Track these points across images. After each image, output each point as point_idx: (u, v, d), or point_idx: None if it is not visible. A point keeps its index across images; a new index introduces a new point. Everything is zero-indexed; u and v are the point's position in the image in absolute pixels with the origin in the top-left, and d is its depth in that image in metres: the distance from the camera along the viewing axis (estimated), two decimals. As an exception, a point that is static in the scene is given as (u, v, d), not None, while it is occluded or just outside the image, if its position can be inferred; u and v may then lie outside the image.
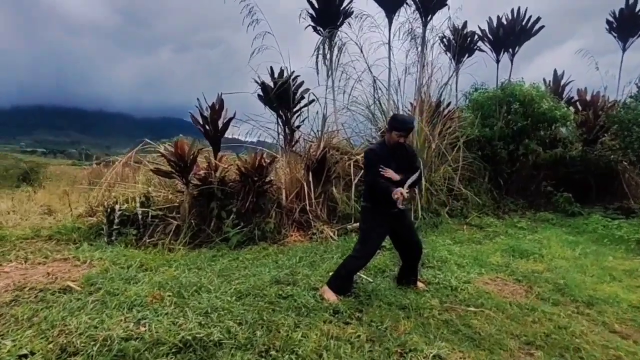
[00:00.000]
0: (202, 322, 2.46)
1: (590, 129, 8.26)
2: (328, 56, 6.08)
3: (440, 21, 6.76)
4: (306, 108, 5.66)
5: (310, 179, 5.51)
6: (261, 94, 5.31)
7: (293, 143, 5.59)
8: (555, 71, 8.16)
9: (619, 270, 4.05)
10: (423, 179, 5.71)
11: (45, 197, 6.50)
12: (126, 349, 2.09)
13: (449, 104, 7.09)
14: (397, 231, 3.23)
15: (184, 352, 2.13)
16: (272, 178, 5.25)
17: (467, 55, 7.51)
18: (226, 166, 5.11)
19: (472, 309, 2.95)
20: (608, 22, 8.57)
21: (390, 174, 2.99)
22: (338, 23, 6.10)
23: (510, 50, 7.27)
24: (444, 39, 7.35)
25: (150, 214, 4.61)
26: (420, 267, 3.72)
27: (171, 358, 2.07)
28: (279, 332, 2.42)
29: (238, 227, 4.83)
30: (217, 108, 4.69)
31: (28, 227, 4.77)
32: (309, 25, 6.13)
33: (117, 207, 4.46)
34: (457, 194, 6.68)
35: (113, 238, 4.37)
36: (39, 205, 6.05)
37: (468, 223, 6.15)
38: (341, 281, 3.14)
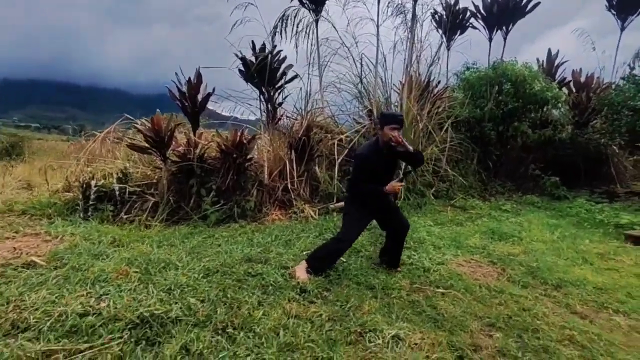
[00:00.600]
0: (164, 299, 2.43)
1: (582, 111, 8.16)
2: (314, 31, 5.87)
3: (432, -4, 6.49)
4: (290, 84, 5.53)
5: (293, 157, 5.44)
6: (242, 69, 5.15)
7: (276, 120, 5.46)
8: (549, 51, 7.96)
9: (592, 253, 4.06)
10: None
11: (25, 172, 6.40)
12: (80, 325, 2.06)
13: (438, 83, 6.94)
14: (382, 215, 3.24)
15: (140, 328, 2.11)
16: (253, 156, 5.16)
17: (459, 33, 7.29)
18: (206, 143, 5.01)
19: (440, 290, 2.95)
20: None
21: (391, 188, 2.95)
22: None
23: (504, 28, 7.04)
24: (436, 15, 7.12)
25: (127, 190, 4.54)
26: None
27: (126, 334, 2.04)
28: (240, 309, 2.41)
29: (218, 205, 4.79)
30: (195, 83, 4.54)
31: (1, 201, 4.69)
32: (295, -1, 5.90)
33: (93, 182, 4.38)
34: (443, 176, 6.63)
35: (89, 214, 4.32)
36: (17, 179, 5.97)
37: (452, 205, 6.13)
38: (319, 262, 3.12)
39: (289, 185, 5.24)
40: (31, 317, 2.13)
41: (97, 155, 5.50)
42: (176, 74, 4.68)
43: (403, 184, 2.95)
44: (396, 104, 6.57)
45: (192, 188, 4.79)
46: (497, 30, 7.11)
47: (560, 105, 7.22)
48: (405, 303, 2.70)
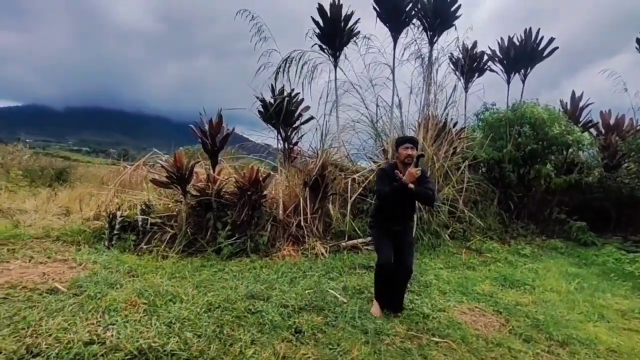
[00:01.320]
0: (164, 332, 2.60)
1: (613, 154, 7.88)
2: (333, 75, 6.21)
3: (449, 41, 6.69)
4: (307, 124, 5.83)
5: (307, 194, 5.63)
6: (262, 110, 5.51)
7: (292, 159, 5.72)
8: (573, 93, 7.86)
9: (613, 309, 3.85)
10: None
11: (66, 198, 6.97)
12: (83, 353, 2.25)
13: (455, 124, 7.00)
14: (395, 246, 3.31)
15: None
16: (266, 192, 5.39)
17: (476, 75, 7.41)
18: (225, 178, 5.31)
19: (435, 338, 2.92)
20: (638, 40, 8.18)
21: (409, 177, 3.06)
22: (343, 42, 6.23)
23: (522, 71, 7.09)
24: (453, 59, 7.30)
25: (149, 221, 4.86)
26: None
27: (122, 364, 2.21)
28: (233, 347, 2.52)
29: (232, 239, 5.01)
30: (216, 124, 4.91)
31: (41, 227, 5.15)
32: (315, 44, 6.30)
33: (118, 213, 4.75)
34: (461, 216, 6.56)
35: (113, 242, 4.65)
36: (59, 206, 6.51)
37: (468, 247, 6.02)
38: (375, 290, 3.42)
39: (302, 222, 5.40)
40: (43, 342, 2.35)
41: (128, 186, 5.94)
42: (200, 114, 5.10)
43: (419, 168, 3.06)
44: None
45: (209, 221, 5.05)
46: (515, 74, 7.17)
47: (585, 147, 7.04)
48: (397, 350, 2.70)
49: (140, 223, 4.83)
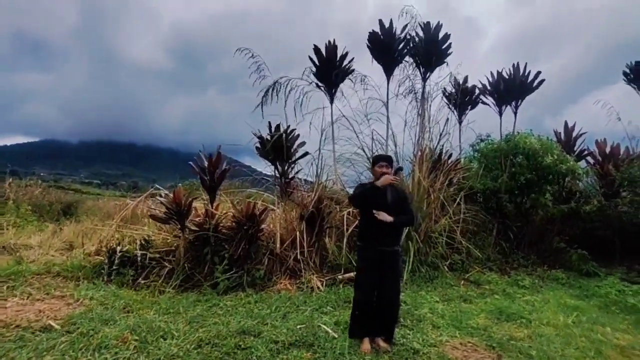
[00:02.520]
0: (151, 370, 2.64)
1: (610, 182, 7.88)
2: (328, 110, 6.46)
3: (442, 76, 6.96)
4: (303, 159, 6.01)
5: (304, 228, 5.71)
6: (259, 146, 5.72)
7: (288, 193, 5.86)
8: (565, 123, 8.02)
9: (611, 344, 3.77)
10: (416, 222, 5.74)
11: (71, 233, 7.13)
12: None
13: (450, 155, 7.14)
14: (381, 276, 3.33)
15: (122, 399, 2.31)
16: (264, 226, 5.49)
17: (469, 108, 7.63)
18: (223, 213, 5.44)
19: (424, 376, 2.91)
20: (625, 73, 8.41)
21: (383, 216, 3.21)
22: (339, 80, 6.53)
23: (514, 103, 7.29)
24: (446, 93, 7.55)
25: (148, 256, 4.96)
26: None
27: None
28: (217, 385, 2.55)
29: (229, 273, 5.06)
30: (214, 160, 5.11)
31: (43, 262, 5.27)
32: (312, 82, 6.61)
33: (118, 248, 4.87)
34: (459, 248, 6.55)
35: (112, 278, 4.74)
36: (63, 240, 6.66)
37: (466, 279, 5.97)
38: (351, 324, 3.46)
39: (299, 255, 5.45)
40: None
41: (130, 220, 6.08)
42: (199, 151, 5.30)
43: (396, 177, 3.24)
44: (408, 176, 6.80)
45: (207, 256, 5.13)
46: (506, 106, 7.37)
47: (581, 176, 7.09)
48: (383, 388, 2.70)
49: (139, 258, 4.93)
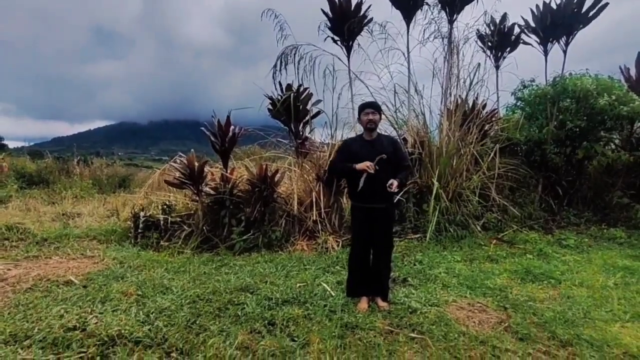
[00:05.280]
0: (140, 320, 2.78)
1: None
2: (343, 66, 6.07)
3: (476, 17, 6.12)
4: (321, 120, 5.80)
5: (320, 188, 5.59)
6: (270, 107, 5.59)
7: (304, 154, 5.72)
8: (638, 55, 6.69)
9: (657, 309, 3.24)
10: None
11: (114, 202, 7.77)
12: (60, 338, 2.50)
13: (484, 106, 6.41)
14: (373, 232, 3.20)
15: (104, 345, 2.45)
16: (281, 189, 5.46)
17: (508, 50, 6.67)
18: (239, 177, 5.49)
19: (413, 334, 2.73)
20: None
21: (362, 165, 3.01)
22: (355, 32, 6.05)
23: (563, 39, 6.19)
24: (480, 35, 6.66)
25: (169, 220, 5.22)
26: (391, 284, 3.56)
27: (89, 348, 2.40)
28: (198, 336, 2.62)
29: (247, 235, 5.16)
30: (225, 125, 5.10)
31: (85, 227, 5.81)
32: (328, 36, 6.21)
33: (142, 213, 5.17)
34: (494, 205, 6.00)
35: (138, 240, 5.08)
36: (107, 209, 7.29)
37: (499, 238, 5.49)
38: (348, 283, 3.39)
39: (314, 217, 5.37)
40: (36, 328, 2.65)
41: (159, 187, 6.41)
42: (212, 116, 5.32)
43: (372, 165, 2.96)
44: (435, 130, 6.28)
45: (224, 219, 5.27)
46: (554, 43, 6.30)
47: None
48: (364, 345, 2.58)
49: (161, 222, 5.20)
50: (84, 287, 3.50)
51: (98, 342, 2.47)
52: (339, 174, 3.22)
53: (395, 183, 2.94)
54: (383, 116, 6.33)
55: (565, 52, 6.35)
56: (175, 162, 5.25)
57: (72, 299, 3.18)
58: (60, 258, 4.53)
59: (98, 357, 2.33)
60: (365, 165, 2.97)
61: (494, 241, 5.38)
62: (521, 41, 6.65)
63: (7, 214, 6.39)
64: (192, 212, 5.40)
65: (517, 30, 6.57)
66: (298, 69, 5.47)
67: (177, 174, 5.06)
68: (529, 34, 6.53)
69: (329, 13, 6.08)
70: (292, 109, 5.32)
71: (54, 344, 2.46)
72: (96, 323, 2.73)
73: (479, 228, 5.71)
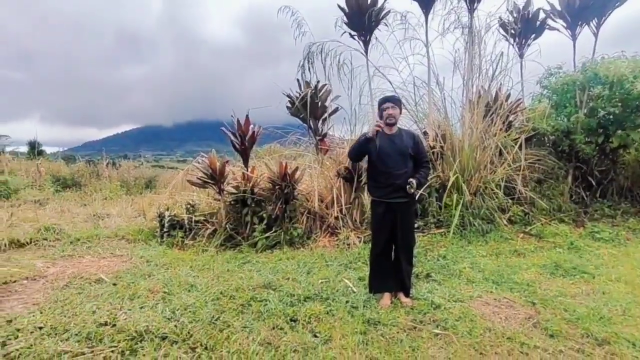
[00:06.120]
0: (167, 317, 2.87)
1: None
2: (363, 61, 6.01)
3: (497, 5, 5.90)
4: (338, 114, 5.76)
5: (341, 184, 5.57)
6: (289, 105, 5.60)
7: (324, 150, 5.71)
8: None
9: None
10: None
11: (141, 203, 8.02)
12: (93, 333, 2.61)
13: (508, 96, 6.19)
14: (394, 227, 3.18)
15: (133, 340, 2.54)
16: (301, 186, 5.48)
17: (533, 37, 6.39)
18: (260, 175, 5.55)
19: (437, 330, 2.68)
20: None
21: (373, 130, 3.07)
22: (373, 25, 5.96)
23: (595, 20, 5.85)
24: (502, 22, 6.41)
25: (193, 219, 5.34)
26: (412, 281, 3.50)
27: (119, 343, 2.49)
28: (222, 332, 2.67)
29: (269, 232, 5.22)
30: (244, 125, 5.16)
31: (115, 227, 6.03)
32: (345, 32, 6.15)
33: (166, 213, 5.31)
34: (520, 198, 5.80)
35: (163, 240, 5.22)
36: (135, 210, 7.54)
37: (527, 232, 5.31)
38: (370, 280, 3.36)
39: (335, 213, 5.36)
40: (72, 322, 2.78)
41: (184, 187, 6.57)
42: (231, 115, 5.40)
43: (381, 122, 3.08)
44: (457, 122, 6.12)
45: (246, 216, 5.34)
46: (583, 26, 5.98)
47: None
48: (386, 341, 2.56)
49: (186, 221, 5.33)
50: (114, 284, 3.64)
51: (127, 337, 2.56)
52: (356, 151, 3.25)
53: (414, 183, 2.98)
54: (404, 110, 6.28)
55: (596, 35, 6.02)
56: (197, 162, 5.34)
57: (103, 296, 3.31)
58: (92, 257, 4.72)
59: (128, 352, 2.41)
60: (376, 127, 3.04)
61: (521, 235, 5.21)
62: (547, 27, 6.36)
63: (45, 216, 6.72)
64: (215, 211, 5.49)
65: (542, 15, 6.29)
66: (324, 67, 5.45)
67: (200, 174, 5.16)
68: (556, 19, 6.24)
69: (345, 8, 6.03)
70: (312, 106, 5.31)
71: (88, 338, 2.56)
72: (125, 319, 2.83)
73: (504, 222, 5.55)
